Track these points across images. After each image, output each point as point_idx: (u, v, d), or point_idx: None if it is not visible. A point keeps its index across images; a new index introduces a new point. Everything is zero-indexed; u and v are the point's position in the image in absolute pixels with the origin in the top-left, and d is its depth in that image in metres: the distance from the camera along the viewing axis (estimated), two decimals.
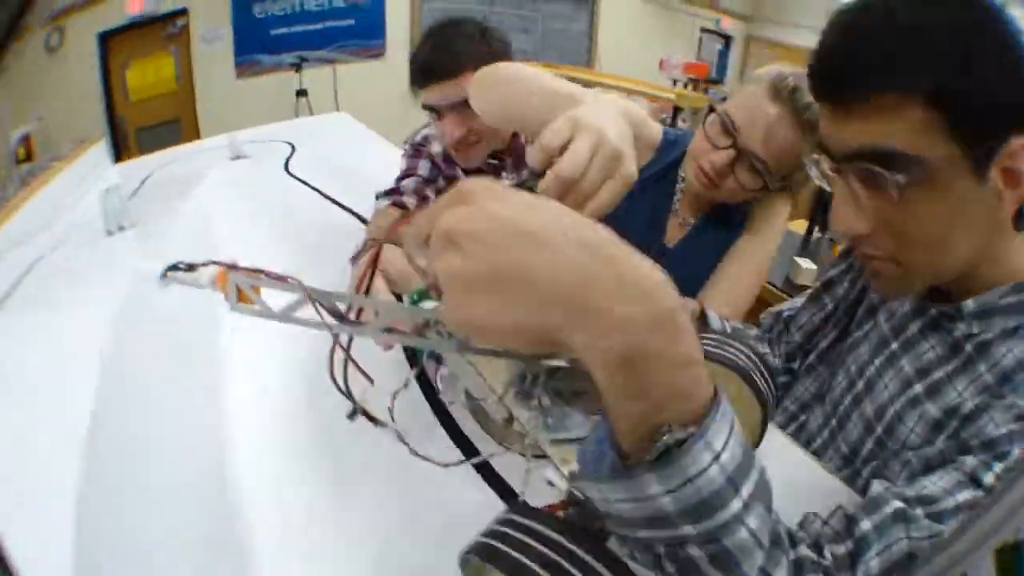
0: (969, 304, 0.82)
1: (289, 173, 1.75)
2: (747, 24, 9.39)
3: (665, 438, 0.47)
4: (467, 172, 1.67)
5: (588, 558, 0.54)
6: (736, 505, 0.51)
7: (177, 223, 1.45)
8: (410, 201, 1.49)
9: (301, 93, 5.16)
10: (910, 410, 0.86)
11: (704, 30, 8.69)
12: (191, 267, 0.62)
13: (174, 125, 4.57)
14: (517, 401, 0.62)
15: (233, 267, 0.59)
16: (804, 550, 0.66)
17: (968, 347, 0.83)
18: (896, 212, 0.75)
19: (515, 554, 0.56)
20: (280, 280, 0.59)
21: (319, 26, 5.26)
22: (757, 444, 0.79)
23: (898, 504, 0.73)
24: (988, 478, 0.72)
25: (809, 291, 1.21)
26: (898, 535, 0.70)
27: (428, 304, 0.63)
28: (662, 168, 1.48)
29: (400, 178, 1.59)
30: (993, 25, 0.68)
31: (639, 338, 0.45)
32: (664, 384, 0.46)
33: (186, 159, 1.83)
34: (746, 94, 1.29)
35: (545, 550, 0.55)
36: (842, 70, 0.73)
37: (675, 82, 7.09)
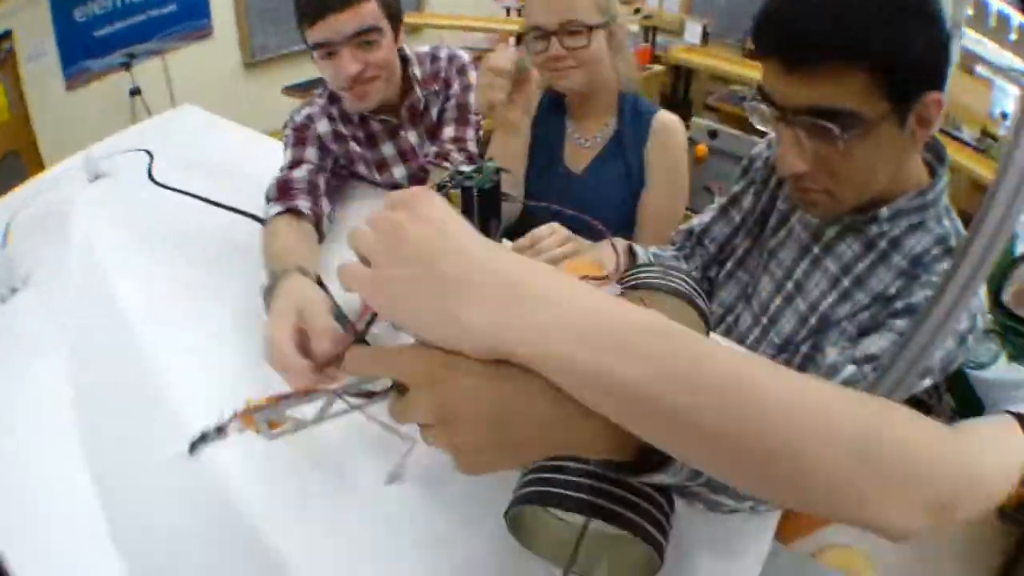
0: (884, 212, 1.01)
1: (156, 182, 1.65)
2: None
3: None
4: (361, 140, 1.62)
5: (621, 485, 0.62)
6: None
7: (66, 268, 1.35)
8: (304, 204, 1.39)
9: (135, 92, 4.87)
10: (842, 301, 1.07)
11: None
12: (220, 429, 0.58)
13: (14, 158, 4.24)
14: None
15: (255, 409, 0.58)
16: None
17: (882, 243, 1.04)
18: (836, 156, 0.91)
19: (566, 492, 0.62)
20: (304, 394, 0.58)
21: (143, 17, 4.93)
22: None
23: (851, 368, 0.95)
24: None
25: (715, 206, 1.37)
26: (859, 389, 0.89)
27: None
28: (553, 102, 1.72)
29: (288, 167, 1.49)
30: (929, 7, 0.84)
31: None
32: None
33: (44, 192, 1.70)
34: (526, 8, 1.58)
35: (591, 482, 0.62)
36: (799, 38, 0.85)
37: (508, 11, 7.02)
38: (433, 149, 1.62)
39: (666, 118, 1.68)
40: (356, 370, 0.56)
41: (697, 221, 1.40)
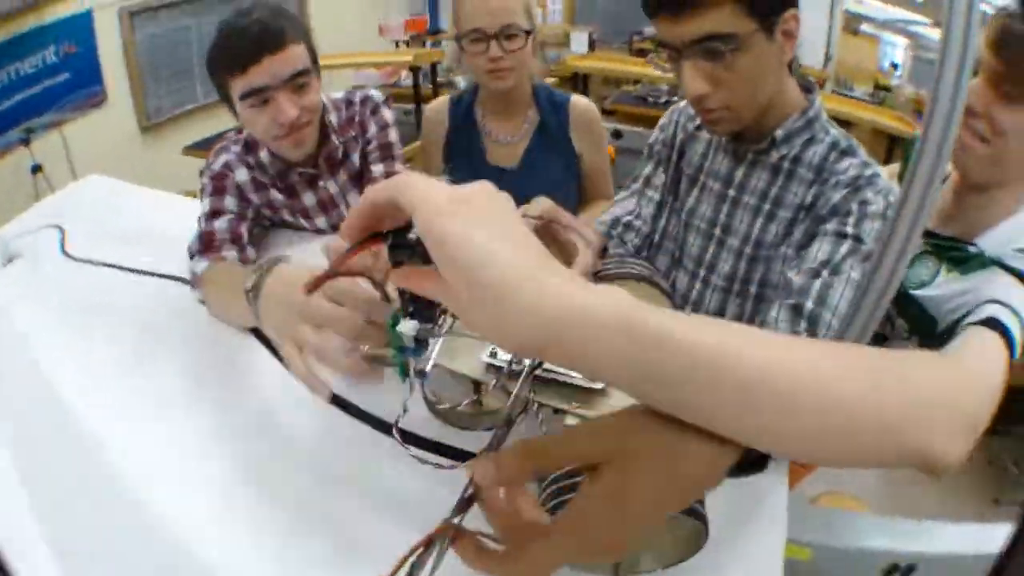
0: (778, 133, 1.20)
1: (71, 257, 1.56)
2: None
3: None
4: (281, 189, 1.56)
5: None
6: None
7: None
8: (231, 255, 1.34)
9: (36, 169, 4.67)
10: (769, 223, 1.23)
11: None
12: None
13: None
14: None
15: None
16: None
17: (786, 164, 1.21)
18: (726, 73, 1.10)
19: None
20: None
21: (38, 88, 4.78)
22: None
23: (817, 282, 1.06)
24: (849, 229, 1.09)
25: (629, 192, 1.50)
26: (835, 298, 1.04)
27: (406, 326, 0.62)
28: (461, 115, 1.91)
29: (208, 218, 1.42)
30: None
31: None
32: None
33: None
34: (461, 14, 1.73)
35: None
36: None
37: (397, 43, 7.04)
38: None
39: (580, 100, 1.93)
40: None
41: (620, 210, 1.47)
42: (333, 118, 1.59)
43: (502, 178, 1.79)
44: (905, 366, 0.54)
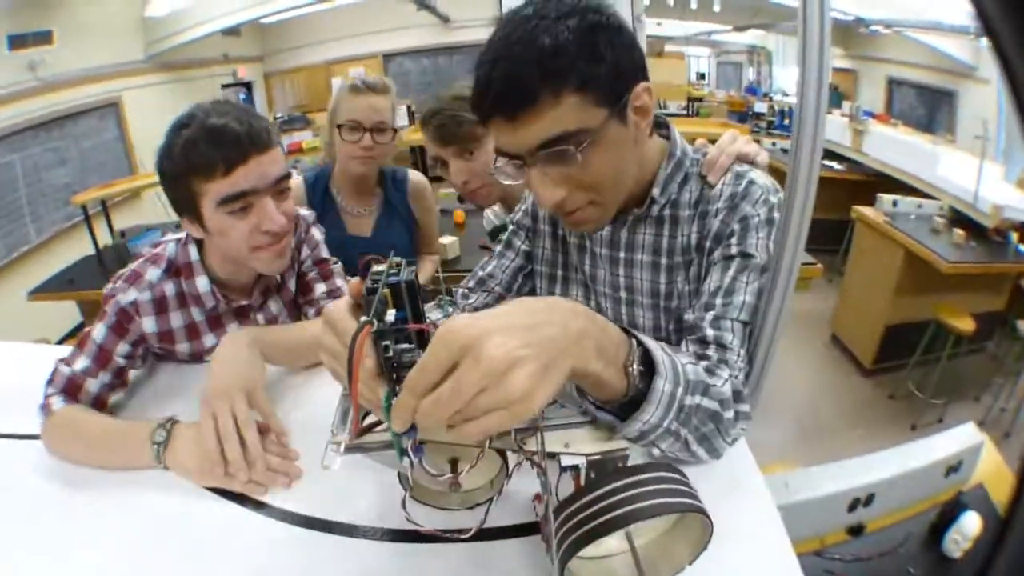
0: (655, 192, 1.13)
1: None
2: (262, 64, 9.55)
3: (636, 365, 0.73)
4: (199, 326, 1.39)
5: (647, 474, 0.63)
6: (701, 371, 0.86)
7: None
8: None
9: None
10: (672, 274, 1.17)
11: (224, 86, 8.92)
12: None
13: None
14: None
15: None
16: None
17: (666, 211, 1.16)
18: (581, 173, 0.96)
19: (596, 521, 0.60)
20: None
21: None
22: None
23: (710, 315, 1.05)
24: (733, 250, 1.06)
25: (495, 254, 1.43)
26: (733, 312, 1.04)
27: None
28: (320, 194, 2.14)
29: (95, 361, 1.26)
30: (607, 21, 0.91)
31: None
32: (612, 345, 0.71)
33: None
34: (341, 108, 1.99)
35: (608, 501, 0.61)
36: (507, 93, 0.90)
37: None
38: (311, 311, 1.48)
39: (415, 175, 2.30)
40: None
41: (481, 270, 1.44)
42: None
43: (359, 246, 2.08)
44: None
